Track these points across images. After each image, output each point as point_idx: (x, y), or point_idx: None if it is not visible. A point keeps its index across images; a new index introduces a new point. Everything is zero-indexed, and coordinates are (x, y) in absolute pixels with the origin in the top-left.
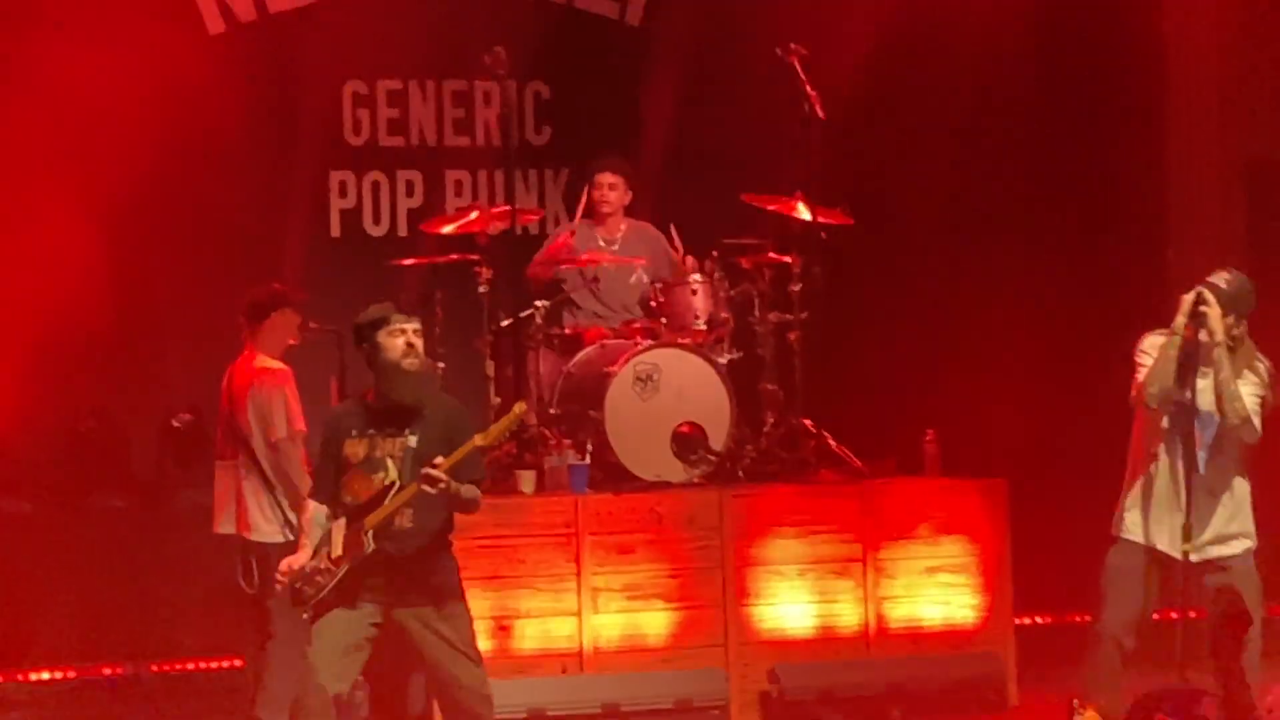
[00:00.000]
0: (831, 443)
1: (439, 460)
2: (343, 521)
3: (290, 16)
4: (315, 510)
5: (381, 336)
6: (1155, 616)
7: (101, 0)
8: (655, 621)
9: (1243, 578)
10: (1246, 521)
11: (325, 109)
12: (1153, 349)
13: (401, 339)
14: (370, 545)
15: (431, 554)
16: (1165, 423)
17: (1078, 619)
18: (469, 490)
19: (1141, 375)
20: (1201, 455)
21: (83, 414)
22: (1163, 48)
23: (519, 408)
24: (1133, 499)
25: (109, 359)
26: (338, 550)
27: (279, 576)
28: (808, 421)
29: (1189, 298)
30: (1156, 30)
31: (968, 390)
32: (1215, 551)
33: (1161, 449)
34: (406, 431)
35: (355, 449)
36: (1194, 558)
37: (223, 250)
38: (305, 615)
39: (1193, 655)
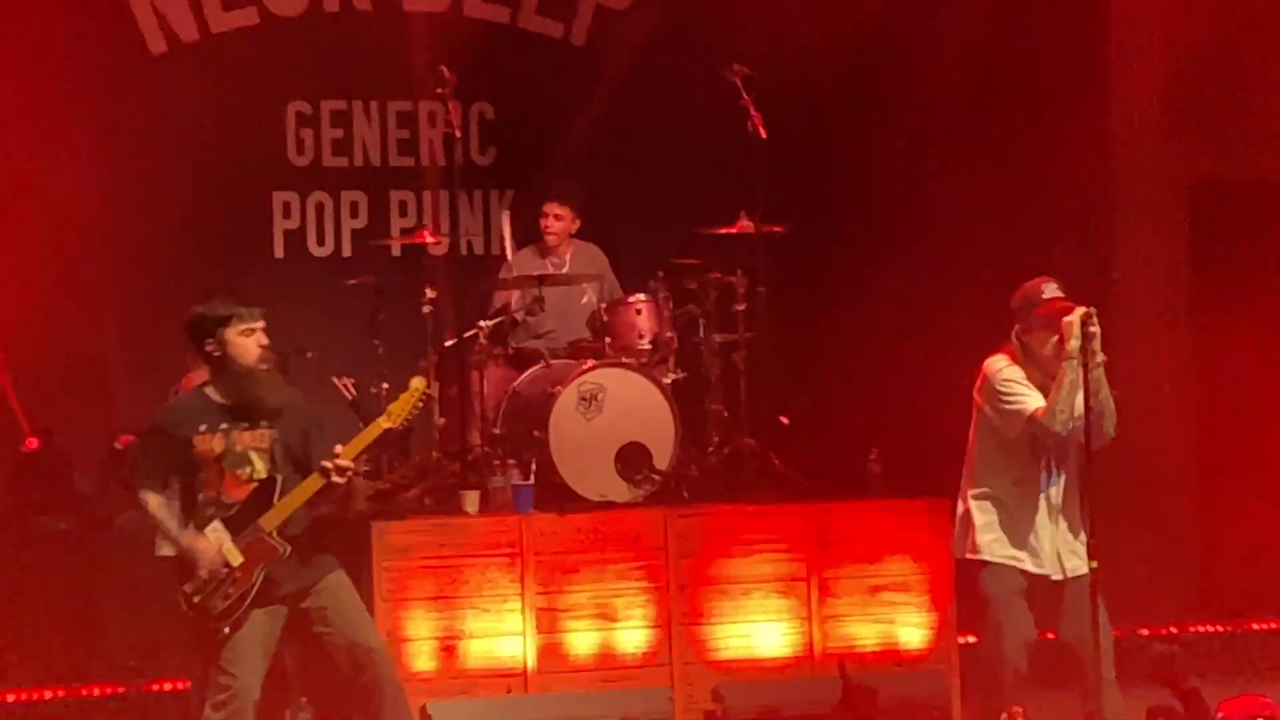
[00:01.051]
0: (776, 462)
1: (339, 449)
2: (219, 525)
3: (233, 37)
4: (159, 502)
5: (231, 335)
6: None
7: (42, 20)
8: (600, 641)
9: (1094, 588)
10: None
11: (269, 129)
12: (1020, 379)
13: (253, 339)
14: (285, 548)
15: (316, 536)
16: (1023, 443)
17: None
18: (364, 484)
19: (1025, 405)
20: (1063, 474)
21: (26, 436)
22: (1107, 69)
23: (417, 382)
24: (999, 522)
25: (53, 380)
26: (237, 557)
27: (187, 594)
28: (752, 441)
29: (1076, 320)
30: (1100, 51)
31: (912, 409)
32: (1082, 567)
33: (1027, 470)
34: (264, 424)
35: (209, 444)
36: (1057, 576)
37: (166, 271)
38: (225, 629)
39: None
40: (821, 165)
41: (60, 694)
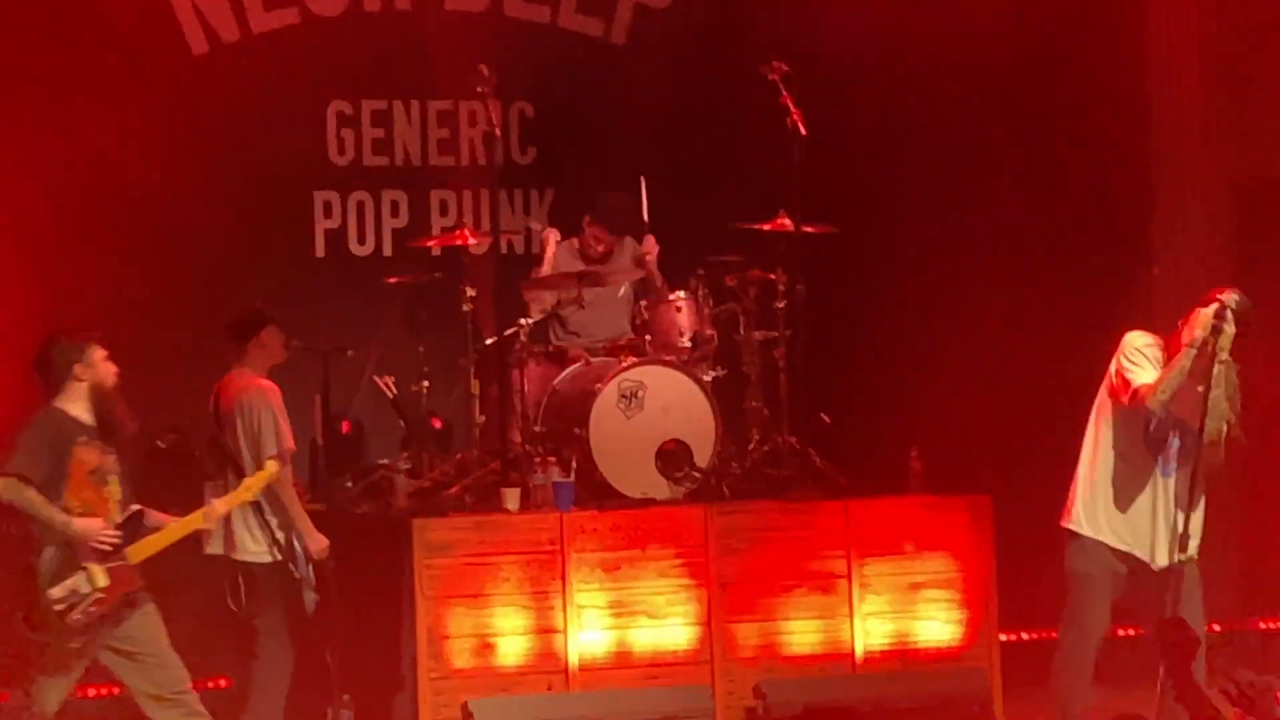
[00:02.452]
0: (816, 460)
1: (217, 501)
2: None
3: (274, 37)
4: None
5: (97, 358)
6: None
7: (85, 21)
8: (640, 638)
9: (1193, 582)
10: (1199, 532)
11: (310, 129)
12: (1147, 350)
13: (110, 364)
14: (140, 584)
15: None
16: (1143, 428)
17: None
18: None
19: (1136, 377)
20: (1173, 465)
21: None
22: (1148, 67)
23: (271, 466)
24: (1098, 495)
25: None
26: (104, 579)
27: (52, 599)
28: (793, 439)
29: (1209, 312)
30: (1142, 49)
31: (952, 407)
32: (1176, 556)
33: (1136, 448)
34: (113, 449)
35: (87, 455)
36: (1159, 564)
37: (208, 270)
38: (77, 645)
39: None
40: (861, 162)
41: (106, 692)
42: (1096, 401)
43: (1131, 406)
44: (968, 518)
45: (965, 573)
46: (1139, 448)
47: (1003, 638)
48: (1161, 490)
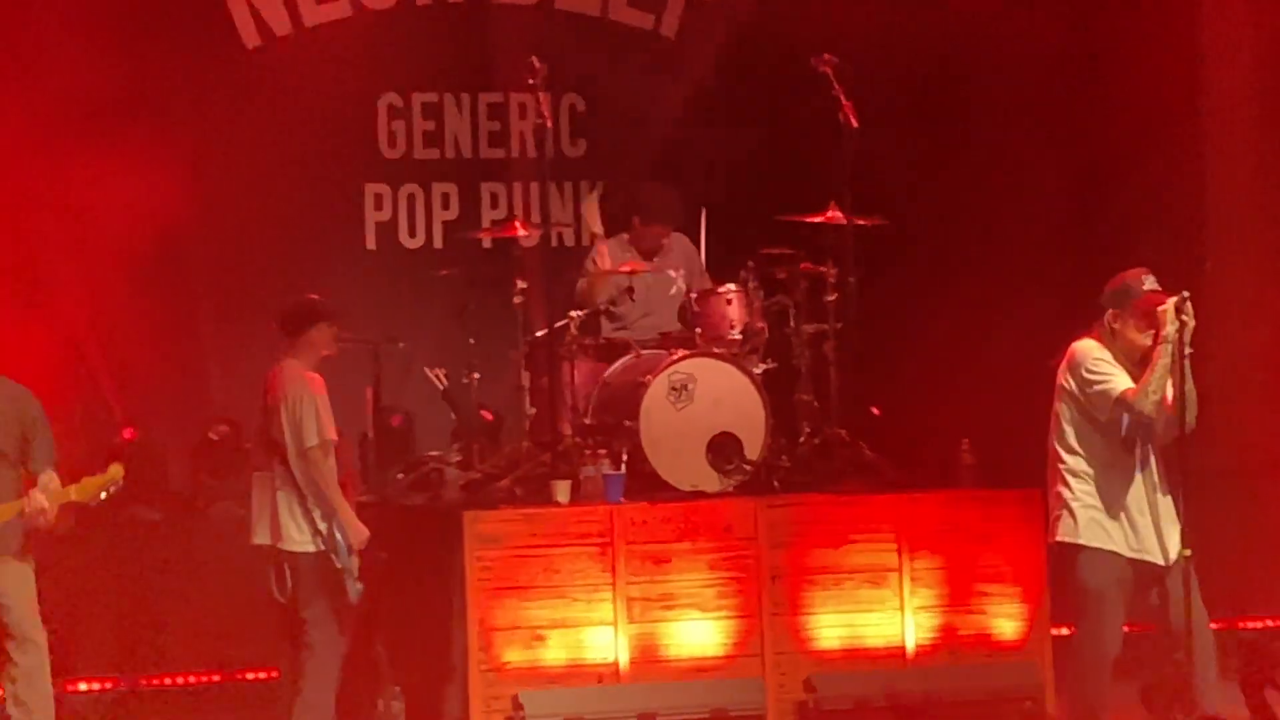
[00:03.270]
0: (867, 452)
1: (43, 498)
2: None
3: (325, 30)
4: None
5: None
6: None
7: (138, 14)
8: (691, 631)
9: (1191, 577)
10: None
11: (360, 122)
12: (1110, 360)
13: None
14: None
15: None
16: (1115, 427)
17: None
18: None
19: (1113, 385)
20: (1150, 461)
21: (120, 426)
22: (1201, 58)
23: (115, 470)
24: (1095, 505)
25: (146, 372)
26: None
27: None
28: (843, 431)
29: (1171, 306)
30: (1195, 41)
31: (1003, 400)
32: (1174, 553)
33: (1119, 452)
34: None
35: None
36: (1159, 560)
37: (259, 263)
38: None
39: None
40: (912, 155)
41: (154, 682)
42: (1055, 418)
43: (1118, 413)
44: (1019, 511)
45: (1017, 566)
46: (1119, 451)
47: (1055, 632)
48: (1147, 488)
